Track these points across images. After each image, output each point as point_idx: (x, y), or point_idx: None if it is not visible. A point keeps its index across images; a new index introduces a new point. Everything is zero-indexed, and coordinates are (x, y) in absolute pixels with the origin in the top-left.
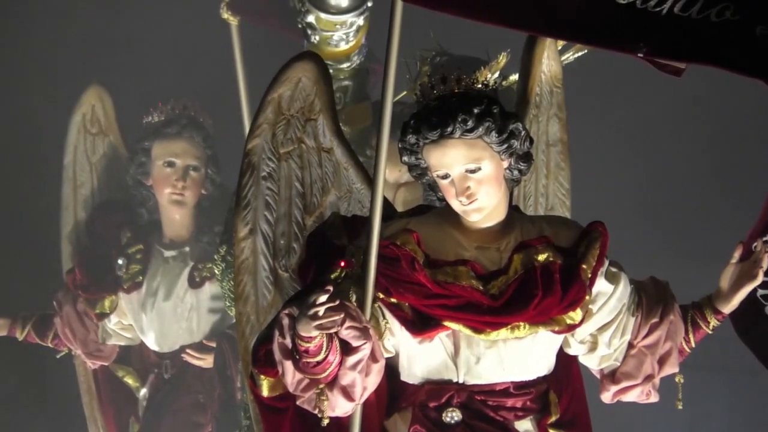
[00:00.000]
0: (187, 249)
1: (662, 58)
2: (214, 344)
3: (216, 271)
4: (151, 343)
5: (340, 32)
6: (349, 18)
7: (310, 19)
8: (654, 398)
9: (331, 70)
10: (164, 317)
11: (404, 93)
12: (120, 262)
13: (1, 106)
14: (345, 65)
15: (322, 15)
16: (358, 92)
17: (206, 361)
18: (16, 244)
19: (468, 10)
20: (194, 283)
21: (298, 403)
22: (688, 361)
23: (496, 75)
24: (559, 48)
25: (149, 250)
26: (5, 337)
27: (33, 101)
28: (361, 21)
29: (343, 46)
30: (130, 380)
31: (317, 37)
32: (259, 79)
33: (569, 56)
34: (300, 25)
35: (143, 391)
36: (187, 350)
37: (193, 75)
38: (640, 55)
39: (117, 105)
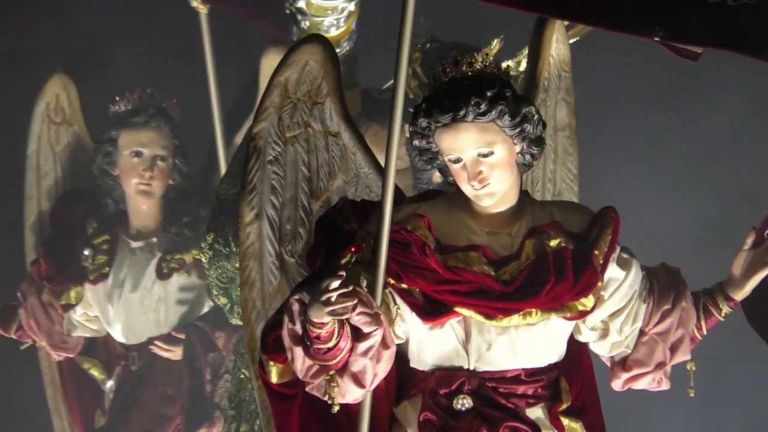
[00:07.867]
0: (154, 240)
1: (679, 42)
2: (183, 336)
3: (203, 259)
4: (118, 334)
5: (331, 17)
6: (340, 3)
7: (301, 4)
8: (665, 386)
9: None
10: (131, 309)
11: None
12: (86, 252)
13: None
14: None
15: (314, 0)
16: (347, 79)
17: (175, 353)
18: None
19: None
20: (162, 275)
21: (307, 389)
22: (705, 352)
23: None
24: None
25: (116, 240)
26: None
27: None
28: (352, 6)
29: (334, 32)
30: (95, 372)
31: (307, 23)
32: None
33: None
34: (288, 11)
35: (110, 384)
36: (156, 342)
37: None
38: (657, 39)
39: (82, 94)
